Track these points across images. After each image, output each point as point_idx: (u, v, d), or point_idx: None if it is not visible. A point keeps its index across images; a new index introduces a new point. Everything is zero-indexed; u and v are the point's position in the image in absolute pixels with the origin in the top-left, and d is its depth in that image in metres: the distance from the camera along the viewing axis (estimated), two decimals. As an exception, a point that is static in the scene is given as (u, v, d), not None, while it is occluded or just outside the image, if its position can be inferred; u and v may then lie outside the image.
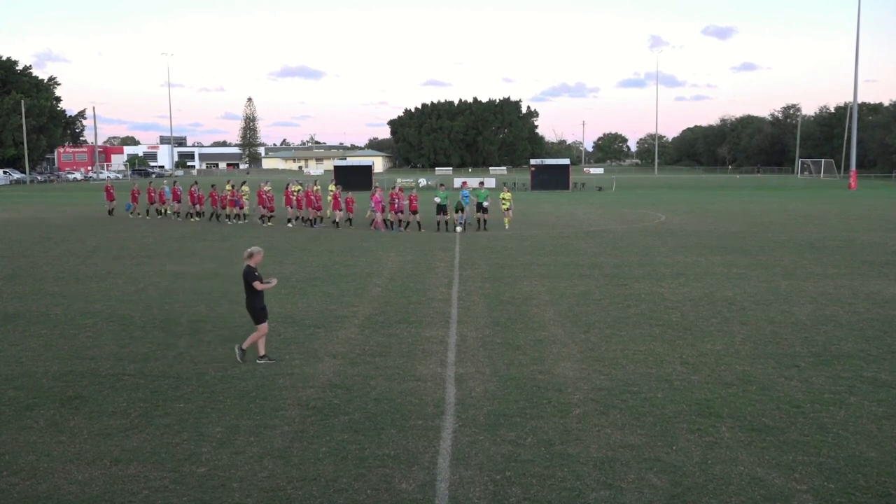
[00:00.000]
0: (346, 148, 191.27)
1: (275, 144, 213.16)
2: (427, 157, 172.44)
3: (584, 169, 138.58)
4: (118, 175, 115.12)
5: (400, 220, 26.96)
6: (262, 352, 9.81)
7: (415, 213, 26.69)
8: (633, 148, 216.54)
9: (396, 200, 26.95)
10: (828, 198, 48.87)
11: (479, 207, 26.78)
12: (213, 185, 34.95)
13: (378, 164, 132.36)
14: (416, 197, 27.45)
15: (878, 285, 15.31)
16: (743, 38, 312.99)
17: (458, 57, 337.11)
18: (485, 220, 26.84)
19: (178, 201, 33.18)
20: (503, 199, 27.60)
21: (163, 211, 34.23)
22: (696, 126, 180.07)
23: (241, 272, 9.80)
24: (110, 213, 35.36)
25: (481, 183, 33.12)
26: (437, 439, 7.18)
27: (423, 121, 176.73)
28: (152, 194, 34.77)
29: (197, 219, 32.34)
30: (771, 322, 12.04)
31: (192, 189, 32.71)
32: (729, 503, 5.90)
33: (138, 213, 34.57)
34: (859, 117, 79.69)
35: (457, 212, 26.92)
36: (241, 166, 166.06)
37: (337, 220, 28.45)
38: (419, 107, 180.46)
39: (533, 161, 65.74)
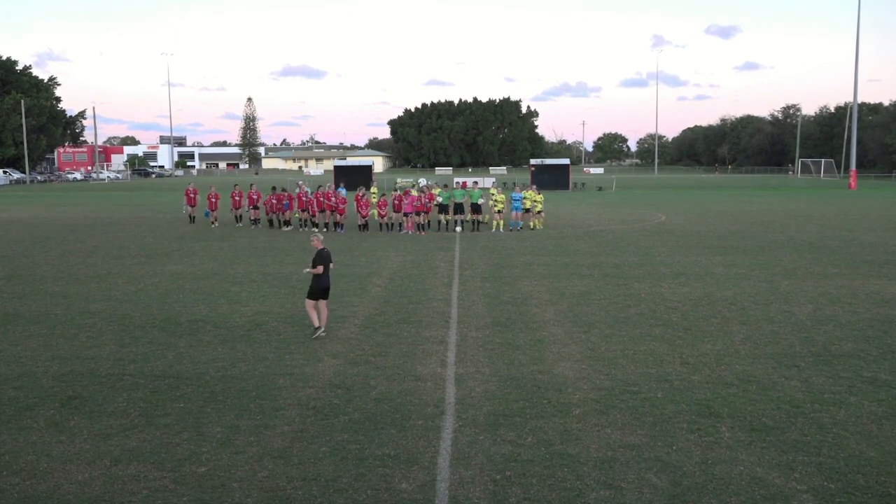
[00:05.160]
0: (346, 148, 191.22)
1: (275, 144, 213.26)
2: (427, 157, 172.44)
3: (584, 169, 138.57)
4: (118, 175, 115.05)
5: (420, 223, 26.50)
6: (315, 323, 11.00)
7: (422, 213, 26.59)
8: (634, 148, 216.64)
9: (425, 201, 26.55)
10: (828, 198, 48.88)
11: (474, 207, 26.70)
12: (319, 187, 28.93)
13: (378, 163, 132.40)
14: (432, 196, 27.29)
15: (878, 285, 15.31)
16: (746, 37, 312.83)
17: (460, 57, 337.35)
18: (479, 221, 26.80)
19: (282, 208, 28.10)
20: (495, 200, 26.76)
21: (276, 219, 28.40)
22: (696, 126, 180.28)
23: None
24: (192, 219, 30.47)
25: (475, 182, 32.68)
26: (437, 439, 7.19)
27: (423, 121, 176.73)
28: (253, 198, 28.93)
29: (309, 229, 27.11)
30: (771, 322, 12.05)
31: (300, 192, 27.96)
32: (729, 503, 5.91)
33: (214, 222, 29.43)
34: (859, 117, 79.67)
35: (456, 213, 26.89)
36: (242, 166, 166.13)
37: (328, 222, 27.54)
38: (419, 106, 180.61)
39: (533, 161, 65.69)
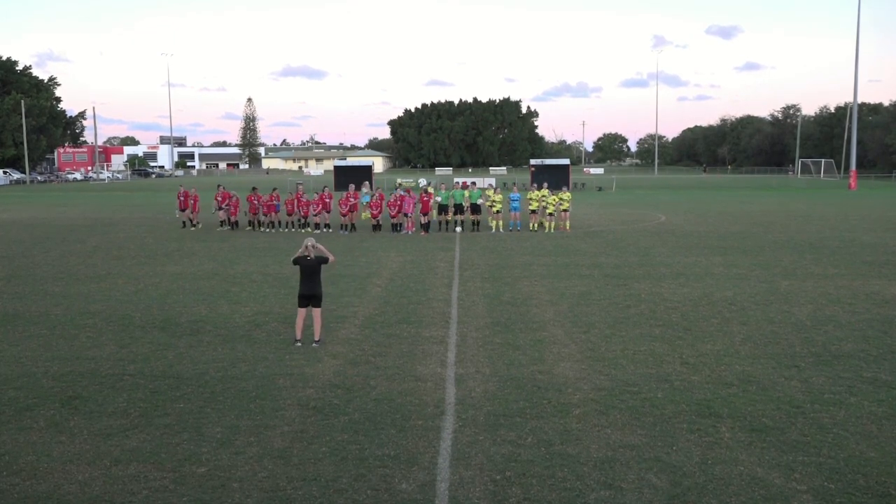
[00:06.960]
0: (346, 148, 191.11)
1: (275, 145, 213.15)
2: (427, 157, 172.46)
3: (585, 169, 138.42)
4: (118, 175, 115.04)
5: (422, 223, 26.49)
6: (297, 334, 10.71)
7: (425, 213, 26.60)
8: (634, 148, 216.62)
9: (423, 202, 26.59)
10: (828, 198, 48.87)
11: (473, 207, 26.70)
12: (324, 187, 28.31)
13: (378, 164, 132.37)
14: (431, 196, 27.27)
15: (878, 285, 15.31)
16: (746, 37, 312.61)
17: (461, 57, 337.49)
18: (478, 221, 26.82)
19: (329, 210, 27.18)
20: (492, 200, 26.66)
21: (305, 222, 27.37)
22: (696, 126, 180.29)
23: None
24: (185, 224, 28.89)
25: (473, 183, 32.64)
26: (437, 439, 7.19)
27: (423, 121, 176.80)
28: (292, 203, 27.60)
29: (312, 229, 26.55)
30: (771, 322, 12.05)
31: (298, 193, 27.56)
32: (729, 503, 5.90)
33: (196, 224, 28.43)
34: (859, 117, 79.63)
35: (456, 213, 26.88)
36: (242, 166, 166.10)
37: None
38: (419, 107, 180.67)
39: (533, 161, 65.57)
